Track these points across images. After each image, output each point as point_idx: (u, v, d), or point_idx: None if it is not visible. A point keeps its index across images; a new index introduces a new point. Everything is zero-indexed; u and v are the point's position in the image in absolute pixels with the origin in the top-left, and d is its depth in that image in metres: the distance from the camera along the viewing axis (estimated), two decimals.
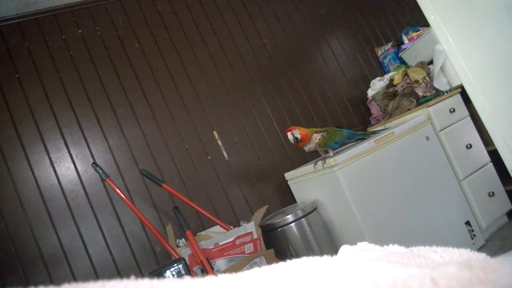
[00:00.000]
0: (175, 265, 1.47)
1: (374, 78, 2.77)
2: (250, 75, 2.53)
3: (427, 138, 2.14)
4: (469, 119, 2.30)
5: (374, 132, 2.19)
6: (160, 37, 2.37)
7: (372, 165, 1.94)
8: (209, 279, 0.27)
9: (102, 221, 1.94)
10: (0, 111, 1.92)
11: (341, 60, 2.89)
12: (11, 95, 1.96)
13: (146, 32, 2.35)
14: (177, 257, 1.62)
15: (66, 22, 2.17)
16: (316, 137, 1.93)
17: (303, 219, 1.88)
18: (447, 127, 2.23)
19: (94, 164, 1.76)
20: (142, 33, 2.33)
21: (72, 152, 2.00)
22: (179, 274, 1.46)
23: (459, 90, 2.30)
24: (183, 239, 1.86)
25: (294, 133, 1.88)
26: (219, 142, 2.30)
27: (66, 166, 1.97)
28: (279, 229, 1.88)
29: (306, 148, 1.97)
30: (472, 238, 2.09)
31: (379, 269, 0.27)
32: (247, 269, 0.31)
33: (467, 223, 2.10)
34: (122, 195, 1.72)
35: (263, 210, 1.99)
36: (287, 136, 2.47)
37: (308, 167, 2.06)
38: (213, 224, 1.99)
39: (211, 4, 2.59)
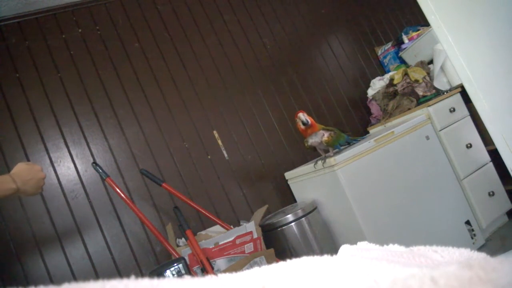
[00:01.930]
0: (175, 264, 1.47)
1: (374, 77, 2.77)
2: (250, 74, 2.53)
3: (427, 138, 2.14)
4: (469, 118, 2.30)
5: (357, 140, 2.16)
6: (160, 37, 2.37)
7: (372, 164, 1.94)
8: (209, 278, 0.27)
9: (102, 221, 1.94)
10: (0, 111, 1.93)
11: (341, 60, 2.89)
12: (11, 95, 1.96)
13: (146, 32, 2.34)
14: (177, 256, 1.62)
15: (66, 22, 2.17)
16: (324, 134, 1.90)
17: (303, 218, 1.88)
18: (447, 127, 2.23)
19: (94, 163, 1.77)
20: (142, 33, 2.33)
21: (72, 152, 2.00)
22: (179, 274, 1.46)
23: (459, 89, 2.30)
24: (183, 239, 1.86)
25: (305, 116, 1.87)
26: (219, 142, 2.30)
27: (66, 165, 1.97)
28: (279, 229, 1.88)
29: (310, 141, 1.94)
30: (472, 238, 2.09)
31: (379, 269, 0.27)
32: (247, 268, 0.31)
33: (467, 222, 2.10)
34: (122, 195, 1.72)
35: (263, 209, 1.99)
36: (287, 135, 2.49)
37: (308, 167, 2.06)
38: (213, 223, 1.99)
39: (211, 4, 2.59)
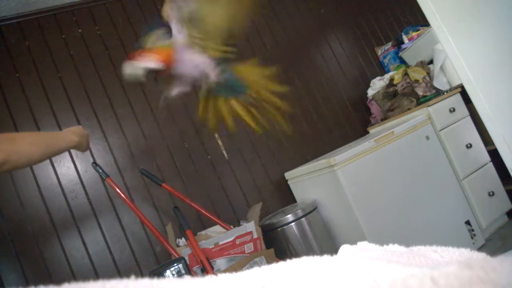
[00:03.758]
0: (175, 264, 1.47)
1: (374, 77, 2.77)
2: None
3: (427, 138, 2.14)
4: (469, 118, 2.30)
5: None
6: None
7: (372, 164, 1.94)
8: (209, 278, 0.27)
9: (102, 221, 1.94)
10: (0, 111, 1.92)
11: (341, 60, 2.89)
12: (11, 95, 1.96)
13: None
14: (177, 256, 1.62)
15: (66, 22, 2.17)
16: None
17: (303, 218, 1.88)
18: (447, 127, 2.23)
19: (94, 163, 1.76)
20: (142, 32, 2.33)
21: (72, 152, 2.00)
22: (179, 274, 1.46)
23: (459, 89, 2.30)
24: (183, 239, 1.86)
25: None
26: (219, 142, 2.30)
27: (66, 165, 1.97)
28: (279, 229, 1.88)
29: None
30: (472, 238, 2.09)
31: (379, 269, 0.27)
32: (247, 268, 0.31)
33: (467, 222, 2.10)
34: (122, 195, 1.71)
35: (258, 207, 1.99)
36: (286, 135, 2.48)
37: (308, 167, 2.06)
38: (213, 223, 1.99)
39: None
